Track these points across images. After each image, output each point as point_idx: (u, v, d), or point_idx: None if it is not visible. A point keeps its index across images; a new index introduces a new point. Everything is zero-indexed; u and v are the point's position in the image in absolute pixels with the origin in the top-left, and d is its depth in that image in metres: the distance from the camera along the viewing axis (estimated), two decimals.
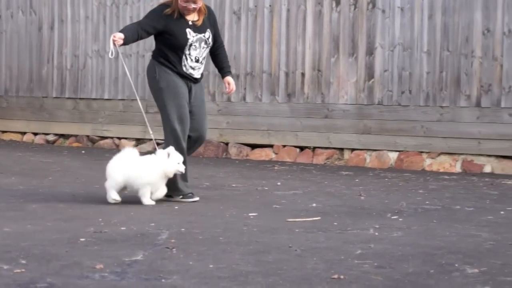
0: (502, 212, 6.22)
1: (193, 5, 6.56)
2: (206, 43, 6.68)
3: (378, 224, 5.61)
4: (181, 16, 6.60)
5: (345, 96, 9.98)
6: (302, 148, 10.33)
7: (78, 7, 12.17)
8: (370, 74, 9.81)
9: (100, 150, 11.49)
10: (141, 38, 6.66)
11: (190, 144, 6.72)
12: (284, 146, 10.42)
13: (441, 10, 9.34)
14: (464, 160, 9.23)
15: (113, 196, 6.41)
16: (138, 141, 11.58)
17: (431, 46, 9.40)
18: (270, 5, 10.49)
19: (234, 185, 7.89)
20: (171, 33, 6.56)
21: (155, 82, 6.63)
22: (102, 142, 11.96)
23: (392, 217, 5.97)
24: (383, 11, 9.69)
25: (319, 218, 5.89)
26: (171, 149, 6.37)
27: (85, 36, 12.10)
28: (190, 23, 6.63)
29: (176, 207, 6.36)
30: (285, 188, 7.67)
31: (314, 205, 6.58)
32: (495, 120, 9.04)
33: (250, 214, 6.02)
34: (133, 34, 6.54)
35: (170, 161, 6.32)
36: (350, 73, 9.94)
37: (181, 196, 6.66)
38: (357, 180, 8.43)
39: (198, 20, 6.65)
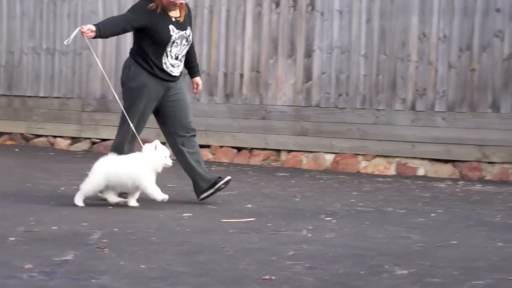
0: (432, 215, 6.32)
1: (180, 0, 6.44)
2: (187, 40, 6.57)
3: (312, 226, 5.64)
4: (164, 12, 6.46)
5: (283, 98, 10.02)
6: (239, 149, 10.33)
7: (14, 3, 11.97)
8: (308, 76, 9.87)
9: (34, 148, 11.32)
10: (124, 32, 6.52)
11: (184, 141, 6.63)
12: (222, 146, 10.42)
13: (378, 14, 9.45)
14: (399, 163, 9.35)
15: (79, 202, 6.23)
16: (74, 140, 11.45)
17: (368, 50, 9.51)
18: (209, 6, 10.48)
19: (169, 185, 7.85)
20: (154, 29, 6.40)
21: (127, 80, 6.51)
22: (36, 140, 11.78)
23: (326, 219, 6.01)
24: (322, 14, 9.76)
25: (253, 219, 5.90)
26: (157, 142, 6.28)
27: (21, 33, 11.92)
28: (173, 19, 6.49)
29: (110, 207, 6.30)
30: None
31: (249, 206, 6.59)
32: (429, 124, 9.18)
33: (184, 215, 6.01)
34: (115, 28, 6.36)
35: (157, 154, 6.22)
36: (289, 74, 9.98)
37: (216, 186, 6.59)
38: (293, 181, 8.47)
39: (180, 16, 6.53)
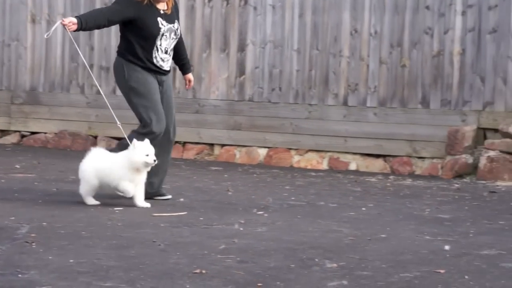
0: (363, 209, 6.39)
1: None
2: (175, 34, 6.40)
3: (244, 219, 5.65)
4: (151, 4, 6.25)
5: (216, 92, 10.01)
6: None
7: None
8: (241, 71, 9.87)
9: None
10: (109, 25, 6.31)
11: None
12: None
13: (311, 9, 9.50)
14: (331, 157, 9.43)
15: (90, 202, 6.07)
16: (3, 133, 11.23)
17: (301, 45, 9.55)
18: None
19: None
20: (142, 21, 6.21)
21: (125, 82, 6.30)
22: None
23: (258, 213, 6.03)
24: (255, 8, 9.77)
25: (185, 213, 5.88)
26: (136, 141, 5.99)
27: None
28: (161, 11, 6.30)
29: (40, 201, 6.20)
30: None
31: (181, 200, 6.56)
32: (360, 119, 9.27)
33: (115, 209, 5.95)
34: (99, 20, 6.15)
35: (137, 151, 5.92)
36: (222, 69, 9.97)
37: (156, 196, 6.45)
38: (226, 175, 8.47)
39: (167, 9, 6.34)
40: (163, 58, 6.37)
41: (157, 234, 4.96)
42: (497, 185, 8.10)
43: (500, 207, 6.64)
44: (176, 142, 10.20)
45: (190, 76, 6.76)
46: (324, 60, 9.45)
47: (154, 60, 6.32)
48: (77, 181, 7.50)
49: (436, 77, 8.93)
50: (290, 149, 9.64)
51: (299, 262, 4.29)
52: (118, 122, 6.26)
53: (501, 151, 8.42)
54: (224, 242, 4.76)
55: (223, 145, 9.98)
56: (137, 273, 3.92)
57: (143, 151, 5.93)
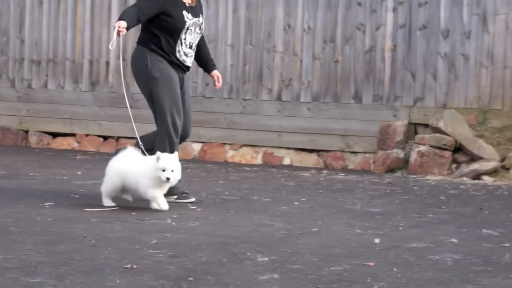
0: (296, 203, 6.43)
1: None
2: (200, 28, 6.18)
3: (177, 214, 5.63)
4: None
5: None
6: (105, 138, 10.19)
7: None
8: None
9: None
10: (139, 23, 5.99)
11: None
12: (87, 135, 10.24)
13: (245, 5, 9.51)
14: (265, 152, 9.46)
15: (106, 203, 5.82)
16: None
17: (235, 40, 9.56)
18: None
19: (31, 174, 7.66)
20: (168, 14, 5.99)
21: (147, 72, 6.02)
22: None
23: (191, 207, 6.02)
24: None
25: (117, 208, 5.83)
26: (161, 154, 5.65)
27: None
28: (187, 4, 6.10)
29: None
30: (86, 178, 7.54)
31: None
32: (294, 114, 9.33)
33: (46, 204, 5.87)
34: (134, 20, 5.90)
35: (155, 165, 5.60)
36: None
37: (175, 196, 6.16)
38: None
39: (192, 2, 6.13)
40: (187, 53, 6.14)
41: (88, 229, 4.92)
42: (427, 179, 8.24)
43: (429, 201, 6.75)
44: (110, 137, 10.13)
45: (217, 72, 6.45)
46: (258, 55, 9.48)
47: (177, 54, 6.08)
48: (5, 176, 7.39)
49: (368, 73, 9.04)
50: (225, 144, 9.65)
51: (231, 256, 4.30)
52: (136, 130, 6.02)
53: (431, 146, 8.56)
54: (156, 237, 4.74)
55: None
56: (67, 268, 3.87)
57: (160, 166, 5.59)
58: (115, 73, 10.10)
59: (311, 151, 9.31)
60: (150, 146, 6.07)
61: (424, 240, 4.92)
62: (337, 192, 7.22)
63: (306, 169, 8.94)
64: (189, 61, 6.19)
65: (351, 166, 9.08)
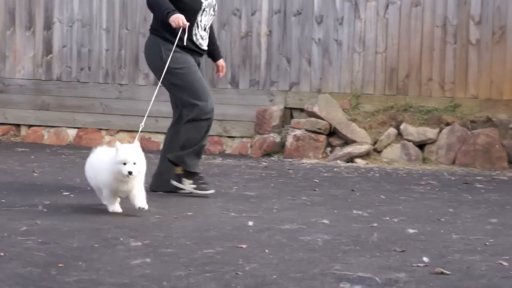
0: None
1: None
2: (214, 10, 5.93)
3: (49, 201, 5.52)
4: None
5: (22, 71, 9.70)
6: None
7: None
8: (48, 49, 9.61)
9: None
10: None
11: None
12: None
13: None
14: (142, 137, 9.39)
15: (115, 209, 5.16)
16: None
17: (110, 24, 9.43)
18: None
19: None
20: None
21: (162, 64, 5.73)
22: None
23: (64, 193, 5.91)
24: None
25: None
26: (119, 144, 5.03)
27: None
28: None
29: None
30: None
31: None
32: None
33: None
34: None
35: (115, 157, 4.97)
36: (27, 47, 9.66)
37: (194, 186, 5.94)
38: (32, 156, 8.24)
39: None
40: (203, 36, 5.88)
41: None
42: (303, 163, 8.38)
43: (304, 184, 6.87)
44: None
45: (222, 62, 6.25)
46: (134, 40, 9.38)
47: (194, 38, 5.82)
48: None
49: (245, 58, 9.10)
50: (101, 129, 9.52)
51: (103, 241, 4.25)
52: (142, 125, 5.69)
53: (306, 130, 8.71)
54: (26, 224, 4.63)
55: (30, 126, 9.70)
56: None
57: (121, 158, 4.95)
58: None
59: None
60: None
61: (296, 222, 5.00)
62: (213, 176, 7.24)
63: None
64: (205, 44, 5.93)
65: (228, 151, 9.14)
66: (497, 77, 8.45)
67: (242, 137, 9.13)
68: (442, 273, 3.70)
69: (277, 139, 8.90)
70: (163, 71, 5.76)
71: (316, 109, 8.71)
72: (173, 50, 5.72)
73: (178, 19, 5.59)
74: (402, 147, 8.49)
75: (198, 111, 5.84)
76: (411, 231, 4.74)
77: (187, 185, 5.96)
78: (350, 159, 8.45)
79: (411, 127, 8.50)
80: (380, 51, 8.76)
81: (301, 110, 8.95)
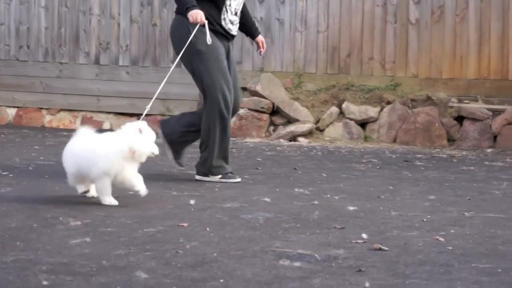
0: None
1: None
2: None
3: None
4: None
5: None
6: None
7: None
8: None
9: None
10: None
11: None
12: None
13: None
14: (84, 116, 9.30)
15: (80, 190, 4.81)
16: None
17: (48, 1, 9.29)
18: None
19: None
20: None
21: (190, 45, 5.46)
22: None
23: (3, 173, 5.83)
24: None
25: None
26: (143, 124, 4.78)
27: None
28: None
29: None
30: None
31: None
32: (113, 78, 9.22)
33: None
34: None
35: (143, 138, 4.70)
36: None
37: (220, 176, 5.72)
38: None
39: None
40: (232, 21, 5.65)
41: None
42: (246, 142, 8.39)
43: (246, 163, 6.89)
44: None
45: (261, 37, 5.96)
46: (74, 18, 9.26)
47: (223, 22, 5.59)
48: None
49: None
50: (41, 108, 9.40)
51: (42, 221, 4.21)
52: (148, 107, 5.36)
53: (249, 109, 8.72)
54: None
55: None
56: None
57: (150, 137, 4.73)
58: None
59: (131, 115, 9.23)
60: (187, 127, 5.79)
61: (238, 200, 5.01)
62: (156, 156, 7.19)
63: None
64: (235, 29, 5.71)
65: None
66: (436, 56, 8.56)
67: None
68: (380, 249, 3.75)
69: None
70: (190, 53, 5.52)
71: (258, 88, 8.72)
72: (202, 31, 5.47)
73: (196, 14, 5.42)
74: (344, 125, 8.56)
75: (219, 103, 5.59)
76: (351, 208, 4.79)
77: (213, 178, 5.75)
78: (293, 137, 8.49)
79: (353, 106, 8.57)
80: (321, 30, 8.80)
81: (244, 89, 8.94)
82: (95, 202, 4.82)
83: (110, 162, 4.65)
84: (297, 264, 3.47)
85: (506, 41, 8.25)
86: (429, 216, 4.59)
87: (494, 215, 4.64)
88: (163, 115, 9.11)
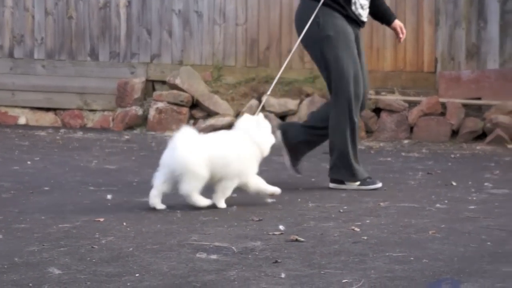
0: (29, 162, 6.26)
1: None
2: None
3: None
4: None
5: None
6: None
7: None
8: None
9: None
10: None
11: None
12: None
13: None
14: None
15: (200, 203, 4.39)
16: None
17: None
18: None
19: None
20: None
21: (318, 30, 5.02)
22: None
23: None
24: None
25: None
26: (260, 116, 4.56)
27: None
28: None
29: None
30: None
31: None
32: (28, 72, 9.04)
33: None
34: None
35: (262, 132, 4.48)
36: None
37: (358, 183, 5.21)
38: None
39: None
40: (363, 5, 5.16)
41: None
42: (166, 135, 8.34)
43: None
44: None
45: (399, 22, 5.36)
46: None
47: (353, 7, 5.12)
48: None
49: (104, 29, 8.93)
50: None
51: None
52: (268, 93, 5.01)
53: (168, 103, 8.66)
54: None
55: None
56: None
57: (267, 129, 4.51)
58: None
59: (47, 109, 9.08)
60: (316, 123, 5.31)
61: None
62: (73, 150, 7.11)
63: (43, 128, 8.71)
64: (365, 14, 5.21)
65: (90, 124, 8.98)
66: None
67: (103, 110, 8.98)
68: (297, 240, 3.78)
69: (139, 112, 8.81)
70: (318, 39, 5.07)
71: (178, 82, 8.67)
72: (332, 15, 5.06)
73: None
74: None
75: (349, 95, 5.11)
76: (269, 200, 4.81)
77: (350, 185, 5.26)
78: (213, 131, 8.46)
79: (273, 99, 8.59)
80: (240, 23, 8.79)
81: (163, 82, 8.88)
82: (8, 198, 4.72)
83: (245, 162, 4.47)
84: (213, 256, 3.47)
85: (421, 33, 8.39)
86: (345, 207, 4.64)
87: (409, 205, 4.72)
88: (81, 109, 8.99)
